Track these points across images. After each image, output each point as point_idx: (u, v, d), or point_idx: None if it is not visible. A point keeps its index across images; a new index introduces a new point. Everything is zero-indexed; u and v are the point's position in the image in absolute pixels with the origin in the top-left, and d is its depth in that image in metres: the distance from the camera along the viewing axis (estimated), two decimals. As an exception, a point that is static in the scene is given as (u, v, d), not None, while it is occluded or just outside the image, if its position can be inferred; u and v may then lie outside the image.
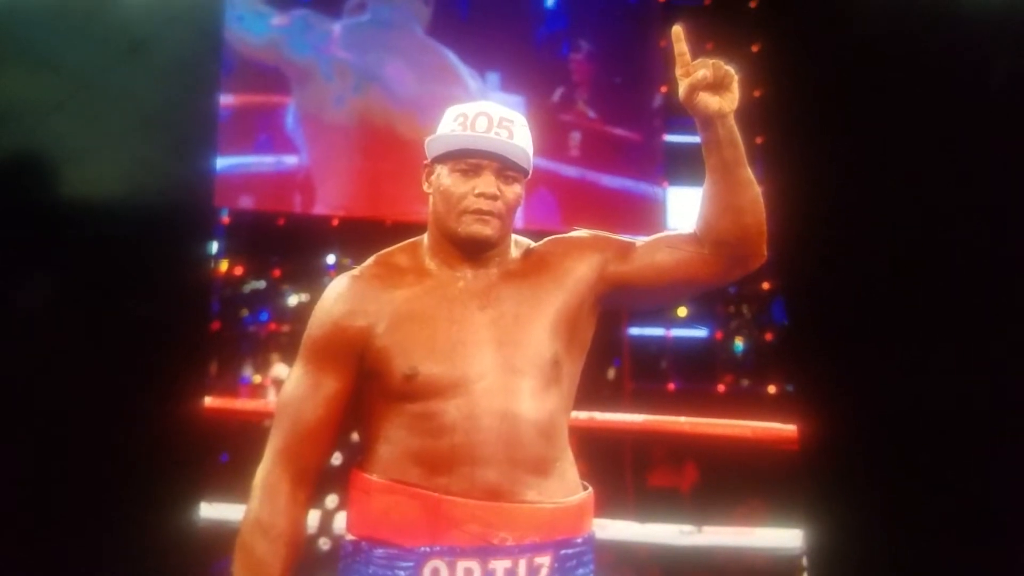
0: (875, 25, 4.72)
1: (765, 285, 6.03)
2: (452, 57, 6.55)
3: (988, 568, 4.31)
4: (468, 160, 2.43)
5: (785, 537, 5.30)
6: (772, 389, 6.04)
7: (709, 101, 2.34)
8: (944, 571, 4.45)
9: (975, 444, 4.45)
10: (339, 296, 2.46)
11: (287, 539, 2.38)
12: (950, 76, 4.50)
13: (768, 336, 6.22)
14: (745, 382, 6.30)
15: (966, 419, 4.46)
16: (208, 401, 5.03)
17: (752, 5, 6.00)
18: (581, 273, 2.50)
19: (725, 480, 5.79)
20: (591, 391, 2.63)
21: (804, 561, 5.19)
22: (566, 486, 2.43)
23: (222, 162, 5.78)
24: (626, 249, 2.53)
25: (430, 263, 2.49)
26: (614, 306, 2.60)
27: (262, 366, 5.59)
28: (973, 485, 4.44)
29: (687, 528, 5.39)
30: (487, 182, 2.42)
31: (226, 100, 5.96)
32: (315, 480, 2.43)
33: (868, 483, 4.68)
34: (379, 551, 2.36)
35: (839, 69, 4.83)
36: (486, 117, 2.46)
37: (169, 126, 4.77)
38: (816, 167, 4.87)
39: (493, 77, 6.57)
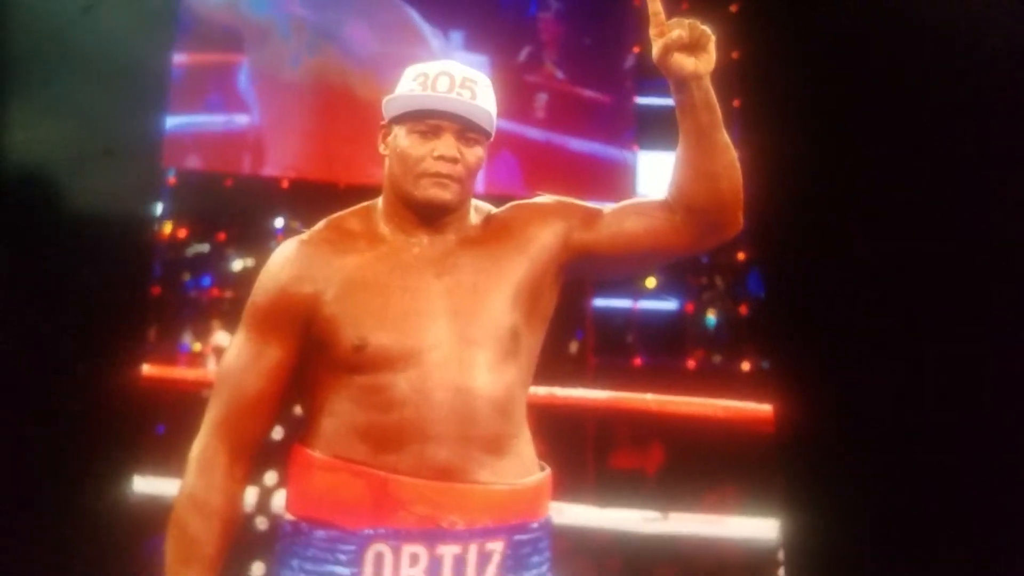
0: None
1: (740, 255, 6.01)
2: (414, 15, 6.53)
3: (973, 558, 4.32)
4: (428, 121, 2.40)
5: (760, 527, 5.27)
6: (746, 366, 6.02)
7: (684, 62, 2.31)
8: (929, 564, 4.46)
9: (960, 429, 4.45)
10: (286, 261, 2.43)
11: (222, 516, 2.34)
12: (934, 42, 4.49)
13: (743, 309, 6.20)
14: (717, 358, 6.28)
15: (953, 402, 4.46)
16: (146, 369, 5.00)
17: (732, -36, 6.00)
18: (544, 241, 2.47)
19: (694, 463, 5.77)
20: (552, 365, 2.59)
21: (780, 554, 5.16)
22: (522, 466, 2.39)
23: (172, 121, 5.76)
24: (593, 216, 2.50)
25: (384, 228, 2.45)
26: (579, 276, 2.58)
27: (203, 333, 5.56)
28: (960, 469, 4.44)
29: (652, 514, 5.37)
30: (447, 144, 2.39)
31: (179, 59, 5.93)
32: (254, 455, 2.40)
33: (850, 469, 4.65)
34: (320, 533, 2.32)
35: (821, 29, 4.81)
36: (448, 77, 2.43)
37: (121, 86, 4.75)
38: (797, 132, 4.86)
39: (456, 36, 6.56)
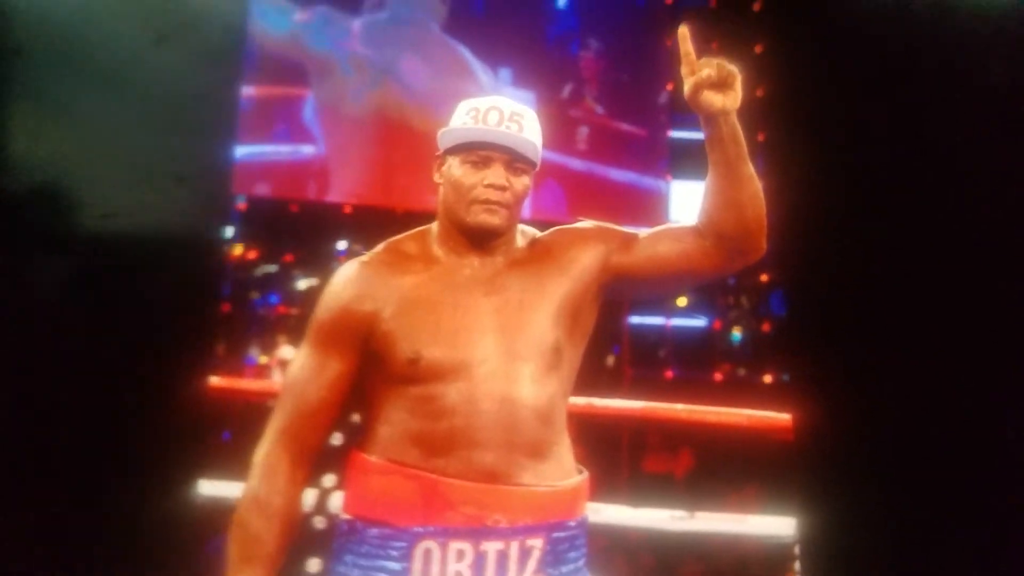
0: (874, 26, 4.68)
1: (763, 277, 6.00)
2: (466, 53, 6.56)
3: (981, 558, 4.26)
4: (479, 152, 2.40)
5: (778, 525, 5.25)
6: (768, 379, 6.01)
7: (713, 99, 2.31)
8: (936, 562, 4.41)
9: (970, 436, 4.40)
10: (348, 281, 2.43)
11: (283, 517, 2.34)
12: (950, 75, 4.46)
13: (765, 327, 6.19)
14: (742, 371, 6.28)
15: (960, 412, 4.42)
16: (214, 380, 5.01)
17: (756, 7, 5.98)
18: (585, 262, 2.46)
19: (719, 467, 5.76)
20: (590, 377, 2.59)
21: (796, 549, 5.13)
22: (562, 470, 2.39)
23: (241, 150, 5.80)
24: (630, 240, 2.50)
25: (438, 251, 2.45)
26: (617, 295, 2.56)
27: (269, 347, 5.58)
28: (968, 477, 4.39)
29: (680, 513, 5.35)
30: (497, 173, 2.39)
31: (248, 91, 5.97)
32: (314, 460, 2.40)
33: (862, 473, 4.63)
34: (373, 531, 2.32)
35: (839, 69, 4.80)
36: (497, 111, 2.43)
37: (193, 116, 4.75)
38: (816, 164, 4.86)
39: (505, 73, 6.58)
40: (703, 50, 2.35)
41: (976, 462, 4.37)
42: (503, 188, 2.39)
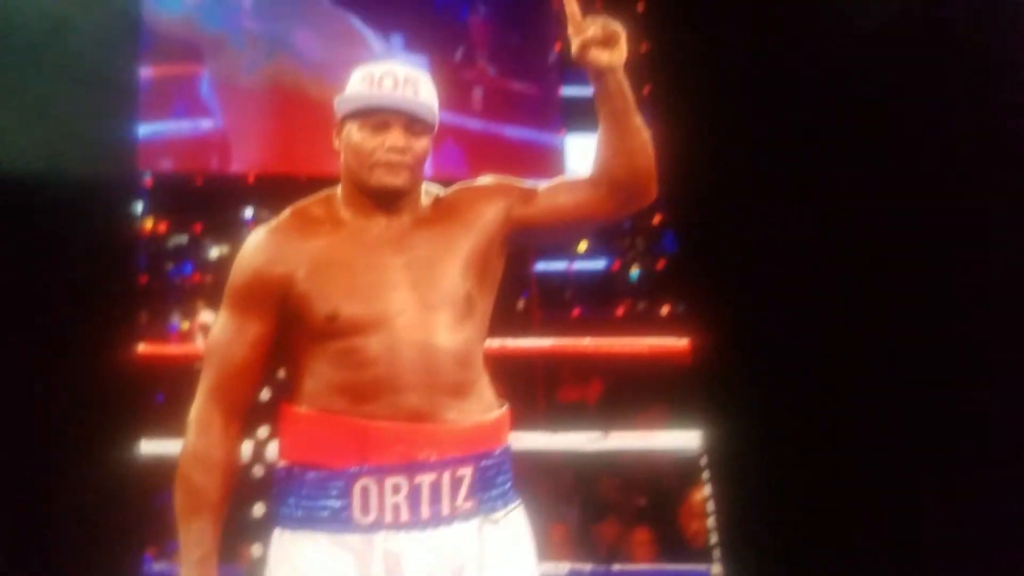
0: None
1: (656, 219, 6.11)
2: (357, 23, 6.52)
3: (871, 454, 4.42)
4: (377, 116, 2.42)
5: (685, 439, 5.41)
6: (665, 310, 6.15)
7: (600, 56, 2.36)
8: (831, 457, 4.59)
9: (843, 343, 4.55)
10: (258, 247, 2.46)
11: (223, 468, 2.39)
12: (822, 16, 4.54)
13: (660, 264, 6.31)
14: (641, 305, 6.41)
15: (834, 322, 4.57)
16: (142, 347, 5.00)
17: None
18: (489, 216, 2.51)
19: (627, 392, 5.90)
20: (504, 321, 2.66)
21: (704, 460, 5.30)
22: (483, 405, 2.46)
23: (143, 129, 5.72)
24: (529, 193, 2.55)
25: (345, 213, 2.48)
26: (521, 245, 2.62)
27: (189, 314, 5.57)
28: (848, 381, 4.55)
29: (594, 435, 5.47)
30: (396, 136, 2.41)
31: (146, 71, 5.88)
32: (245, 414, 2.45)
33: (755, 387, 4.81)
34: (311, 474, 2.37)
35: (718, 21, 4.90)
36: (392, 76, 2.45)
37: (93, 98, 4.69)
38: (699, 112, 4.97)
39: (397, 39, 6.56)
40: (587, 10, 2.40)
41: (858, 368, 4.51)
42: (403, 150, 2.41)
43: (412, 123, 2.43)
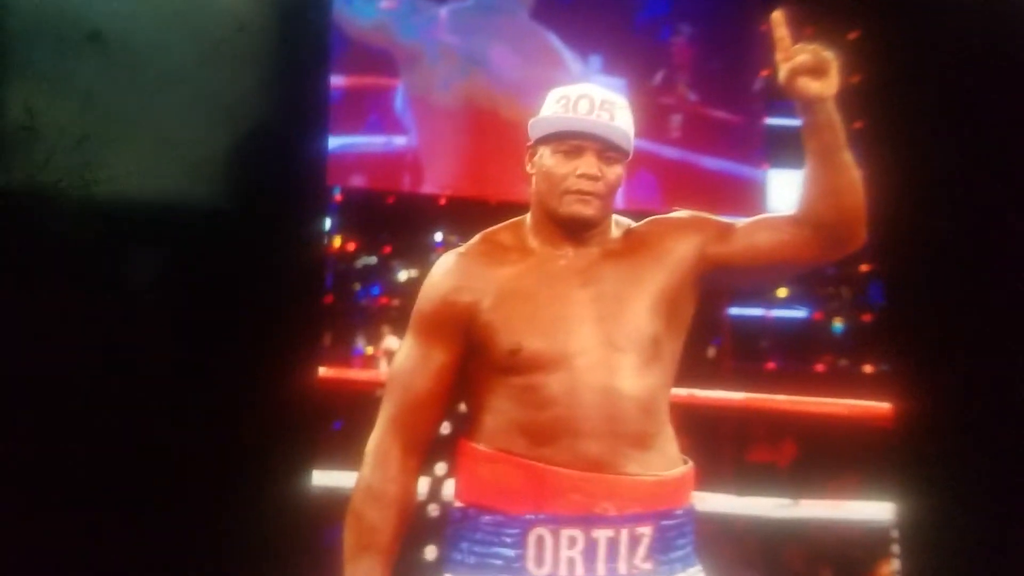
0: (972, 10, 4.65)
1: (863, 267, 5.97)
2: (555, 40, 6.54)
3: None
4: (570, 141, 2.44)
5: (877, 510, 5.30)
6: (868, 369, 6.00)
7: (809, 85, 2.33)
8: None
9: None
10: (446, 272, 2.50)
11: (398, 506, 2.42)
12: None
13: (866, 317, 6.16)
14: (843, 362, 6.26)
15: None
16: (322, 371, 5.06)
17: (850, -7, 5.94)
18: (681, 253, 2.50)
19: (821, 456, 5.78)
20: (692, 369, 2.62)
21: (895, 533, 5.18)
22: (666, 460, 2.44)
23: (334, 142, 5.80)
24: (726, 230, 2.53)
25: (533, 241, 2.51)
26: (715, 286, 2.59)
27: (374, 338, 5.65)
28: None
29: (784, 501, 5.39)
30: (588, 163, 2.43)
31: (337, 81, 5.99)
32: (425, 449, 2.47)
33: (960, 460, 4.68)
34: (486, 518, 2.39)
35: (938, 54, 4.78)
36: (588, 99, 2.47)
37: (282, 106, 4.80)
38: (915, 151, 4.84)
39: (595, 60, 6.56)
40: (797, 35, 2.37)
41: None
42: (595, 178, 2.43)
43: (606, 149, 2.44)
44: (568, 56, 6.55)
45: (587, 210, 2.44)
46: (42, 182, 4.36)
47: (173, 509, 4.19)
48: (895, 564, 5.20)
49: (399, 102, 6.38)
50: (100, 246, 4.43)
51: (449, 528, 2.48)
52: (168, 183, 4.56)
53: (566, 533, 2.34)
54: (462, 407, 2.53)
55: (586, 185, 2.43)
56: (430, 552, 3.94)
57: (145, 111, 4.53)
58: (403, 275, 5.97)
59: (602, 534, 2.35)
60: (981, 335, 4.68)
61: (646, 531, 2.37)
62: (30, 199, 4.36)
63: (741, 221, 2.55)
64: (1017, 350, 4.56)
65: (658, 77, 6.62)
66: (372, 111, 6.33)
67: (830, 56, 2.33)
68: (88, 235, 4.41)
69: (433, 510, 4.32)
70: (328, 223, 5.74)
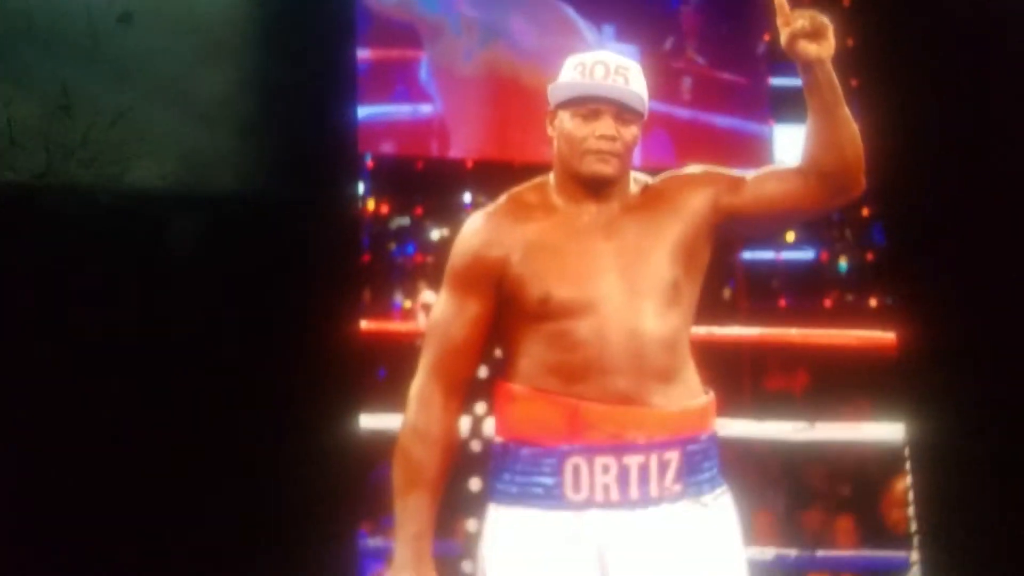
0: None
1: (865, 211, 5.99)
2: (570, 11, 6.53)
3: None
4: (588, 105, 2.48)
5: (888, 431, 5.37)
6: (873, 303, 6.04)
7: (808, 48, 2.37)
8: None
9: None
10: (477, 230, 2.55)
11: (442, 444, 2.47)
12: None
13: (869, 256, 6.19)
14: (849, 297, 6.29)
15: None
16: (365, 324, 5.09)
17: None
18: (697, 205, 2.54)
19: (833, 383, 5.84)
20: (710, 309, 2.69)
21: (906, 451, 5.26)
22: (690, 391, 2.50)
23: (363, 112, 5.78)
24: (737, 182, 2.57)
25: (557, 199, 2.55)
26: (728, 235, 2.63)
27: (411, 293, 5.68)
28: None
29: (801, 425, 5.46)
30: (606, 125, 2.46)
31: (363, 54, 5.99)
32: (465, 391, 2.53)
33: (962, 381, 4.75)
34: (525, 450, 2.45)
35: (924, 15, 4.81)
36: (603, 65, 2.51)
37: (314, 79, 4.80)
38: (907, 107, 4.89)
39: (609, 29, 6.54)
40: (795, 4, 2.43)
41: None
42: (613, 138, 2.46)
43: (622, 112, 2.47)
44: (583, 25, 6.54)
45: (607, 168, 2.48)
46: (79, 160, 4.36)
47: (235, 457, 4.23)
48: (908, 480, 5.28)
49: (424, 72, 6.37)
50: (141, 218, 4.43)
51: (491, 462, 2.54)
52: (208, 156, 4.56)
53: (600, 461, 2.41)
54: (497, 352, 2.58)
55: (605, 145, 2.46)
56: (475, 484, 3.97)
57: (180, 87, 4.53)
58: (435, 234, 5.98)
59: (633, 460, 2.41)
60: (975, 270, 4.74)
61: (673, 456, 2.43)
62: (69, 179, 4.34)
63: (750, 173, 2.59)
64: (1006, 284, 4.60)
65: (668, 43, 6.60)
66: (399, 82, 6.32)
67: (826, 21, 2.38)
68: (128, 209, 4.41)
69: (475, 446, 4.35)
70: (362, 188, 5.76)
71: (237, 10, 4.66)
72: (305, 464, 4.30)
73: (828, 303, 6.30)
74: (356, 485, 4.49)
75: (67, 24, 4.41)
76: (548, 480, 2.43)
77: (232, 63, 4.60)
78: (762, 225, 2.72)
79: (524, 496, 2.45)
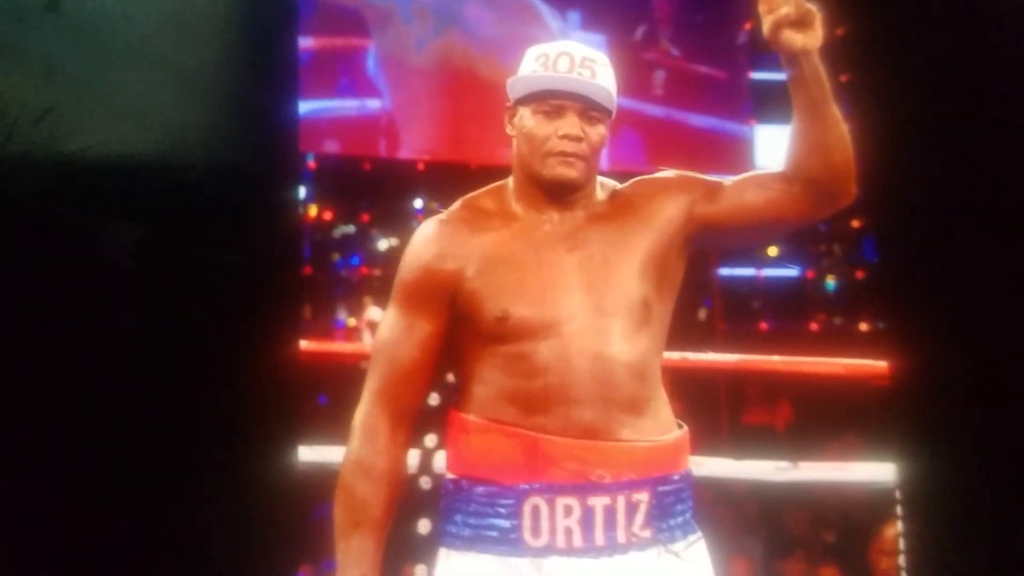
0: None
1: (855, 223, 6.03)
2: (532, -4, 6.54)
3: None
4: (551, 101, 2.45)
5: (878, 471, 5.37)
6: (864, 327, 6.07)
7: (793, 38, 2.35)
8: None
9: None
10: (428, 240, 2.52)
11: (388, 479, 2.44)
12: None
13: (859, 274, 6.23)
14: (837, 320, 6.32)
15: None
16: (304, 345, 5.07)
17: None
18: (669, 214, 2.52)
19: (819, 417, 5.85)
20: (683, 332, 2.67)
21: (897, 494, 5.26)
22: (661, 425, 2.47)
23: (305, 107, 5.77)
24: (714, 189, 2.55)
25: (516, 206, 2.53)
26: (704, 247, 2.63)
27: (356, 309, 5.67)
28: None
29: (783, 464, 5.46)
30: (571, 123, 2.44)
31: (305, 43, 5.96)
32: (413, 420, 2.50)
33: (960, 419, 4.74)
34: (479, 489, 2.43)
35: (924, 4, 4.82)
36: (568, 57, 2.48)
37: (250, 70, 4.75)
38: (903, 104, 4.89)
39: (574, 16, 6.56)
40: (779, -13, 2.40)
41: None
42: (578, 139, 2.44)
43: (588, 109, 2.45)
44: (546, 12, 6.55)
45: (571, 172, 2.46)
46: (8, 155, 4.32)
47: (155, 492, 4.18)
48: (900, 526, 5.27)
49: (371, 63, 6.36)
50: (70, 221, 4.40)
51: (442, 501, 2.51)
52: (134, 155, 4.50)
53: (562, 502, 2.38)
54: (450, 377, 2.57)
55: (569, 146, 2.44)
56: (423, 526, 3.96)
57: (108, 80, 4.48)
58: (383, 244, 5.99)
59: (598, 502, 2.39)
60: (978, 289, 4.73)
61: (643, 498, 2.41)
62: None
63: (729, 179, 2.57)
64: (1015, 305, 4.61)
65: (639, 32, 6.63)
66: (343, 73, 6.32)
67: (812, 8, 2.36)
68: (57, 209, 4.38)
69: (425, 483, 4.34)
70: (303, 191, 5.74)
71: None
72: (237, 501, 4.25)
73: (814, 327, 6.34)
74: (294, 525, 4.46)
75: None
76: (504, 523, 2.40)
77: (160, 55, 4.55)
78: (742, 237, 2.71)
79: (478, 540, 2.42)
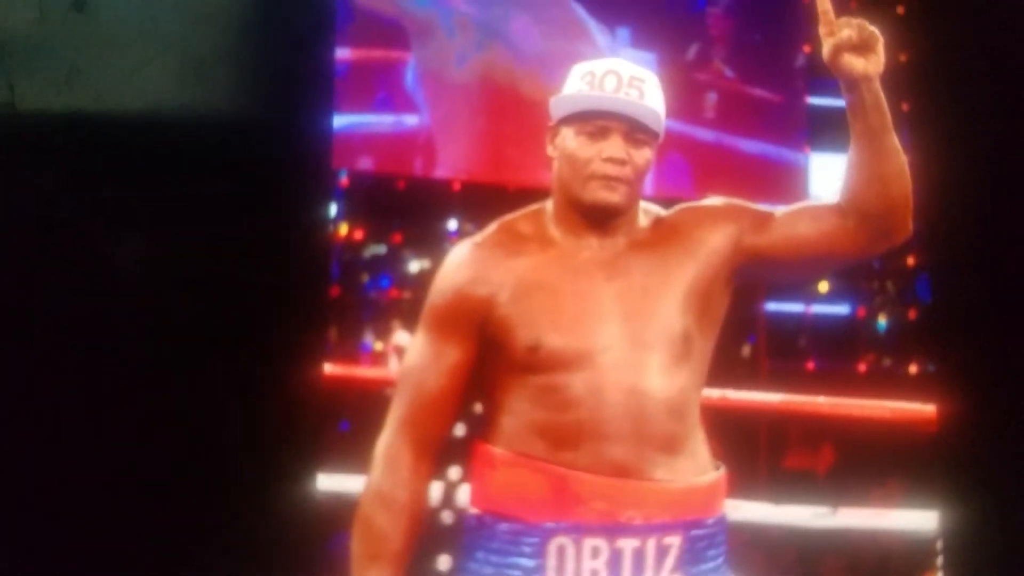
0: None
1: (910, 260, 5.99)
2: (580, 11, 6.52)
3: None
4: (595, 122, 2.43)
5: (920, 519, 5.33)
6: (913, 369, 6.02)
7: (854, 63, 2.34)
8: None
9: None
10: (461, 264, 2.51)
11: (409, 512, 2.43)
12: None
13: (911, 314, 6.18)
14: (887, 361, 6.27)
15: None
16: (328, 368, 5.06)
17: (897, -35, 5.92)
18: (715, 244, 2.50)
19: (862, 462, 5.81)
20: (725, 368, 2.65)
21: (939, 544, 5.21)
22: (697, 465, 2.45)
23: (339, 121, 5.76)
24: (764, 219, 2.53)
25: (554, 231, 2.51)
26: (750, 280, 2.62)
27: (383, 333, 5.66)
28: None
29: (822, 510, 5.42)
30: (615, 145, 2.42)
31: (343, 54, 5.97)
32: (438, 451, 2.49)
33: (1009, 467, 4.70)
34: (503, 526, 2.41)
35: (989, 32, 4.79)
36: (615, 76, 2.46)
37: (283, 81, 4.76)
38: (965, 136, 4.86)
39: (623, 32, 6.54)
40: (842, 9, 2.39)
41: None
42: (622, 162, 2.42)
43: (634, 130, 2.43)
44: (594, 28, 6.53)
45: (613, 197, 2.44)
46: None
47: (171, 515, 4.19)
48: (940, 577, 5.24)
49: (410, 78, 6.36)
50: (99, 236, 4.43)
51: (464, 536, 2.50)
52: (167, 163, 4.53)
53: (589, 543, 2.36)
54: (477, 407, 2.55)
55: (612, 169, 2.42)
56: (443, 562, 3.95)
57: (135, 88, 4.51)
58: (415, 266, 5.97)
59: (627, 544, 2.36)
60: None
61: (674, 541, 2.39)
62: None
63: (780, 210, 2.56)
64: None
65: (692, 52, 6.60)
66: (381, 88, 6.31)
67: (876, 32, 2.34)
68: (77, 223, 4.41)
69: (447, 517, 4.34)
70: (334, 209, 5.73)
71: (197, 2, 4.64)
72: (252, 530, 4.26)
73: (863, 367, 6.28)
74: (310, 554, 4.42)
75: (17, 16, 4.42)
76: (528, 562, 2.38)
77: (188, 63, 4.58)
78: (791, 271, 2.69)
79: None
